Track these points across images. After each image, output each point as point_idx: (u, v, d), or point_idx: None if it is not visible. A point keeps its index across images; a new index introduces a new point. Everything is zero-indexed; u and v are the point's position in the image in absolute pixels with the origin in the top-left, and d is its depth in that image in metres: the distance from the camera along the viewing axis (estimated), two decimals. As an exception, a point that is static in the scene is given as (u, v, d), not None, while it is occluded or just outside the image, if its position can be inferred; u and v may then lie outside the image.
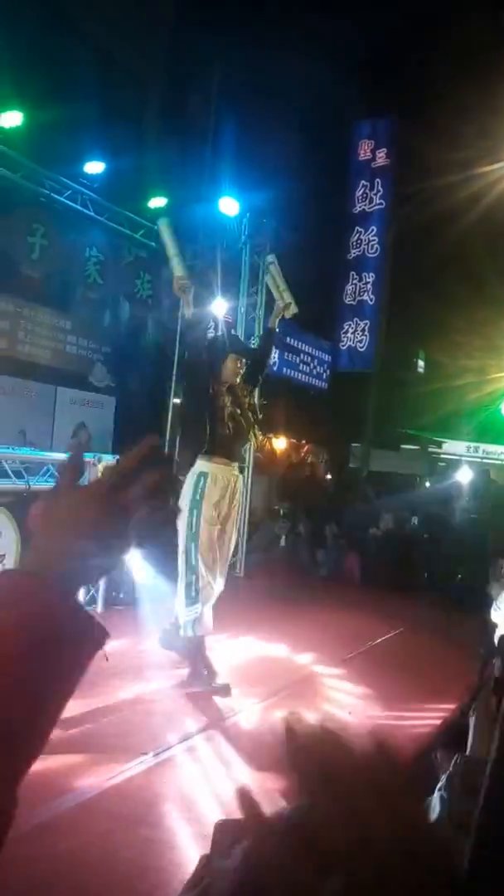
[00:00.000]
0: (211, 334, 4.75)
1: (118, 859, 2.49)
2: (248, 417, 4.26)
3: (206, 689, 4.09)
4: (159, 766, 3.21)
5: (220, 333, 4.68)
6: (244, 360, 4.27)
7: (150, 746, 3.37)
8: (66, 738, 3.35)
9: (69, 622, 0.58)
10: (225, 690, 4.09)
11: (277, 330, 4.90)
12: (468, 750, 2.10)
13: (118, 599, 5.72)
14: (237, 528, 4.49)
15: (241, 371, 4.24)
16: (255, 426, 4.35)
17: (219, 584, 4.25)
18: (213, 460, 4.13)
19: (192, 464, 4.20)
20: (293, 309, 4.77)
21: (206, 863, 0.59)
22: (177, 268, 4.21)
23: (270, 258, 5.16)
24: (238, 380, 4.25)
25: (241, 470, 4.45)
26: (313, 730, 0.51)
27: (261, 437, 4.53)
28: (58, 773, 3.01)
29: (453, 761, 1.79)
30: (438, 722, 3.90)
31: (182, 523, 4.11)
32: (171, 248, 4.33)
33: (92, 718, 3.65)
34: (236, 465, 4.30)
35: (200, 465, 4.14)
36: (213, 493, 4.10)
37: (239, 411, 4.20)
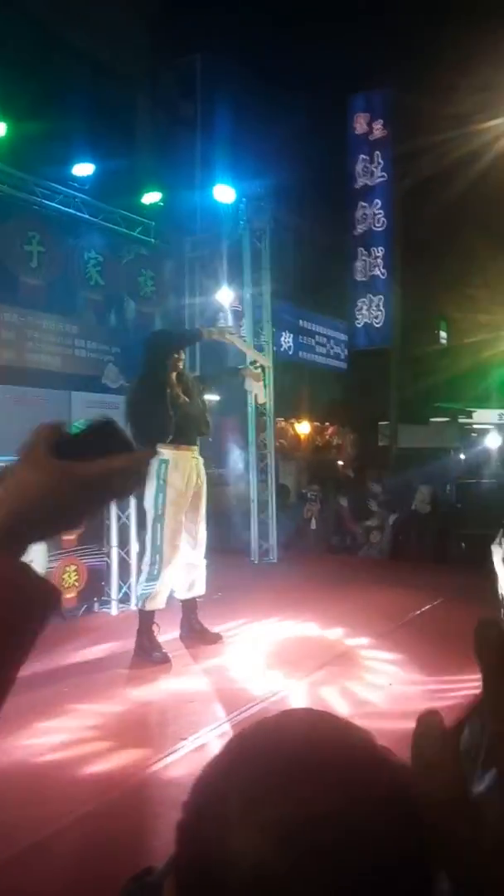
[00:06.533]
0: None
1: (167, 841, 2.46)
2: (199, 404, 4.58)
3: (148, 661, 4.30)
4: (198, 750, 3.17)
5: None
6: (181, 351, 4.64)
7: (189, 732, 3.34)
8: (109, 730, 3.38)
9: (18, 583, 0.55)
10: (164, 660, 4.29)
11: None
12: None
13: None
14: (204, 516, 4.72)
15: (182, 358, 4.61)
16: (205, 415, 4.64)
17: (185, 561, 4.57)
18: (172, 447, 4.39)
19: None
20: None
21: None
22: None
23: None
24: (181, 367, 4.58)
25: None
26: None
27: (208, 428, 4.76)
28: (106, 762, 3.05)
29: None
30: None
31: (149, 506, 4.44)
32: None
33: (131, 709, 3.67)
34: (195, 449, 4.57)
35: (161, 452, 4.38)
36: (175, 478, 4.39)
37: (189, 399, 4.50)
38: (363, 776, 0.48)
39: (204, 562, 4.75)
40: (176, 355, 4.51)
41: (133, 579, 5.52)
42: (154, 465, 4.39)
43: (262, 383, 5.72)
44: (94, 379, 7.99)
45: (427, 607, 5.74)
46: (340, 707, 3.67)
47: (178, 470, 4.40)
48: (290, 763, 0.48)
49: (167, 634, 4.62)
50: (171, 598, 4.61)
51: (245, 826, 0.45)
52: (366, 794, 0.46)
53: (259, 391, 5.41)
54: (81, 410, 7.64)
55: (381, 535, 8.23)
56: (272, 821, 0.45)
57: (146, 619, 4.43)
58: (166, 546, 4.39)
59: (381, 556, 8.07)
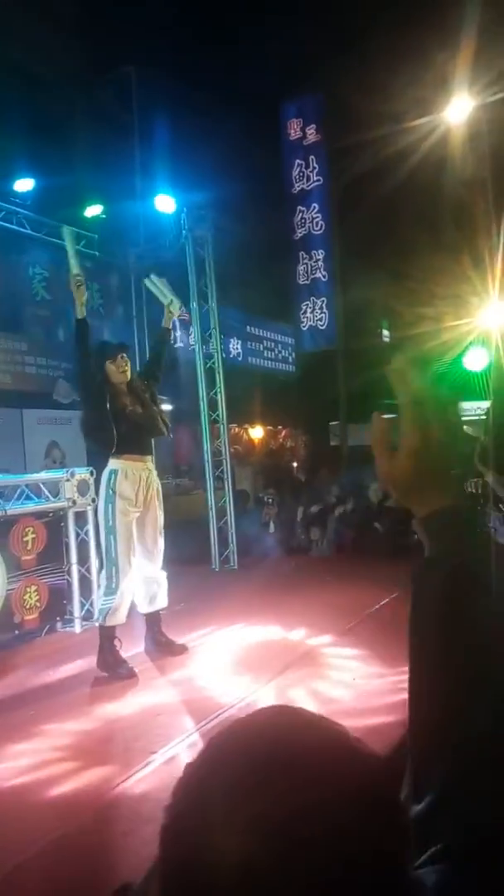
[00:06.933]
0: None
1: (143, 857, 2.50)
2: (151, 411, 4.52)
3: (112, 676, 4.31)
4: (168, 763, 3.21)
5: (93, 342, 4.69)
6: (124, 357, 4.47)
7: (158, 746, 3.37)
8: (78, 750, 3.37)
9: None
10: (130, 674, 4.31)
11: (171, 329, 5.22)
12: None
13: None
14: (160, 525, 4.66)
15: (126, 368, 4.44)
16: (161, 417, 4.60)
17: (143, 575, 4.57)
18: (121, 457, 4.42)
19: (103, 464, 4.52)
20: (177, 306, 5.11)
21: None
22: (73, 266, 4.55)
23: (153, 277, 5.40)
24: (129, 377, 4.47)
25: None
26: None
27: (167, 429, 4.68)
28: (77, 782, 3.04)
29: None
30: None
31: (99, 519, 4.49)
32: (71, 248, 4.72)
33: (100, 727, 3.67)
34: (147, 458, 4.58)
35: (110, 463, 4.43)
36: (125, 488, 4.39)
37: (140, 408, 4.45)
38: (337, 768, 0.49)
39: (163, 573, 4.74)
40: (113, 364, 4.39)
41: (95, 595, 5.51)
42: (104, 476, 4.46)
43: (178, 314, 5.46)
44: (45, 395, 7.93)
45: (386, 601, 5.87)
46: (308, 706, 3.76)
47: (128, 480, 4.40)
48: (267, 760, 0.49)
49: (132, 649, 4.63)
50: (133, 612, 4.62)
51: (229, 825, 0.46)
52: (341, 785, 0.48)
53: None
54: (34, 428, 7.59)
55: (322, 532, 8.36)
56: (255, 818, 0.46)
57: (107, 635, 4.41)
58: (121, 558, 4.37)
59: (329, 553, 8.21)
